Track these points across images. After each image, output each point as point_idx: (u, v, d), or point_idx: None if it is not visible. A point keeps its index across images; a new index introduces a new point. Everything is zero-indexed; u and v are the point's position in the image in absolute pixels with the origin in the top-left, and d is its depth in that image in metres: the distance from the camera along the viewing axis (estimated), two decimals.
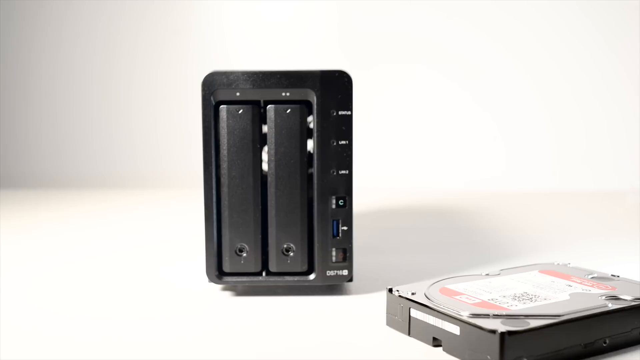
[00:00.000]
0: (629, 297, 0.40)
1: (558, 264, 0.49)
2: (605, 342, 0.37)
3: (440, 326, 0.38)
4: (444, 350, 0.38)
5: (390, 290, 0.43)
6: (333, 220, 0.49)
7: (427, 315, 0.39)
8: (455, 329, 0.37)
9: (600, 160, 1.31)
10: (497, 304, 0.39)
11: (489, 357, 0.34)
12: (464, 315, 0.37)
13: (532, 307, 0.38)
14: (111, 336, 0.43)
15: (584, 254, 0.67)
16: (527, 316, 0.36)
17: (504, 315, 0.37)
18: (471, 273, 0.49)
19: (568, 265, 0.49)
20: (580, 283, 0.44)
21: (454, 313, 0.37)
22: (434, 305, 0.39)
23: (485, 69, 1.33)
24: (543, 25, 1.31)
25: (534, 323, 0.35)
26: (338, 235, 0.49)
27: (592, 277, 0.45)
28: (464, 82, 1.34)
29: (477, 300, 0.40)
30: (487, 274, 0.47)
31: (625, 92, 1.30)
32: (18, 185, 1.36)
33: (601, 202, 1.13)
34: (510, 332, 0.34)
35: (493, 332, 0.34)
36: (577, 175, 1.30)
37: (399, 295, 0.42)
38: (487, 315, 0.37)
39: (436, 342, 0.39)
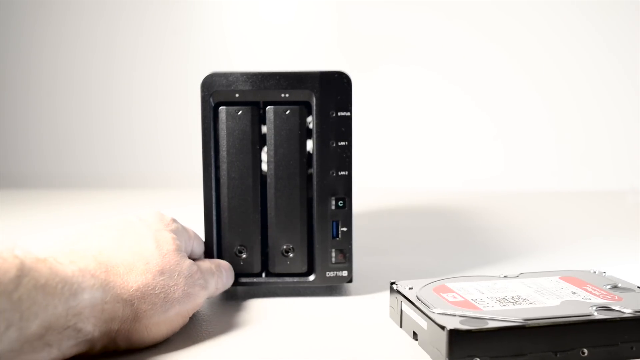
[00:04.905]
0: (627, 310, 0.37)
1: (594, 272, 0.47)
2: (583, 352, 0.36)
3: (417, 321, 0.39)
4: (419, 344, 0.39)
5: (392, 284, 0.44)
6: (333, 221, 0.49)
7: (410, 309, 0.40)
8: (424, 324, 0.38)
9: (600, 160, 1.31)
10: (476, 304, 0.39)
11: (441, 352, 0.35)
12: (436, 312, 0.37)
13: (506, 310, 0.38)
14: None
15: (583, 254, 0.67)
16: (492, 319, 0.36)
17: (470, 316, 0.36)
18: (486, 274, 0.49)
19: (603, 274, 0.46)
20: (589, 292, 0.41)
21: (426, 309, 0.38)
22: (415, 300, 0.40)
23: (484, 70, 1.33)
24: (543, 26, 1.31)
25: (492, 324, 0.35)
26: (338, 236, 0.49)
27: (610, 287, 0.42)
28: (464, 82, 1.34)
29: (460, 300, 0.40)
30: (505, 276, 0.46)
31: (625, 92, 1.30)
32: (18, 185, 1.36)
33: (601, 202, 1.13)
34: (459, 330, 0.34)
35: (443, 328, 0.35)
36: (577, 175, 1.30)
37: (396, 289, 0.43)
38: (453, 315, 0.36)
39: (415, 336, 0.40)
